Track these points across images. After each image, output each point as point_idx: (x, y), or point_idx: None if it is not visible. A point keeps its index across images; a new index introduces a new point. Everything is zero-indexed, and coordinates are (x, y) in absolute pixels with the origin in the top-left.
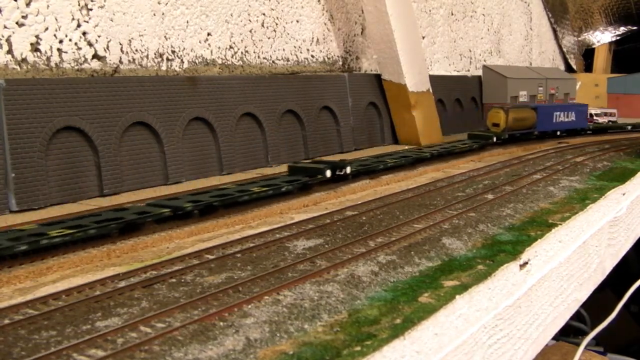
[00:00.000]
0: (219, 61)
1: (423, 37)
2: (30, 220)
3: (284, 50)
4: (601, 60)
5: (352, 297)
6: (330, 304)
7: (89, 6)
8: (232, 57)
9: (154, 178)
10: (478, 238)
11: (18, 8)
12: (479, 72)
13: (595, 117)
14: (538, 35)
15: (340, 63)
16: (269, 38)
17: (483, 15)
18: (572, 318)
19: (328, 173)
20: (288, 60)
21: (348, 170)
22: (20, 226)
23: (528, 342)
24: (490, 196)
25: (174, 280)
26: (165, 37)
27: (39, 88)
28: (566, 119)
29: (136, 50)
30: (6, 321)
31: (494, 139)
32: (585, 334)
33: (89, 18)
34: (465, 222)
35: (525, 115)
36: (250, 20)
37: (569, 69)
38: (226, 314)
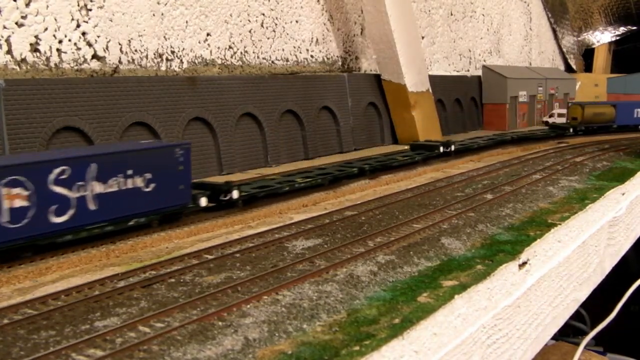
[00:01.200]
0: (219, 61)
1: (422, 37)
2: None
3: (283, 50)
4: (601, 60)
5: (351, 297)
6: (329, 304)
7: (89, 6)
8: (231, 57)
9: None
10: (477, 238)
11: (17, 8)
12: (479, 72)
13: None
14: (538, 36)
15: (340, 63)
16: (268, 38)
17: (482, 15)
18: (571, 318)
19: (441, 149)
20: (287, 60)
21: (453, 147)
22: (269, 177)
23: (527, 341)
24: (489, 196)
25: (173, 280)
26: (164, 37)
27: (39, 88)
28: None
29: (135, 51)
30: (5, 321)
31: (571, 130)
32: (584, 333)
33: (89, 18)
34: (465, 222)
35: (602, 110)
36: (249, 21)
37: (568, 69)
38: (225, 313)
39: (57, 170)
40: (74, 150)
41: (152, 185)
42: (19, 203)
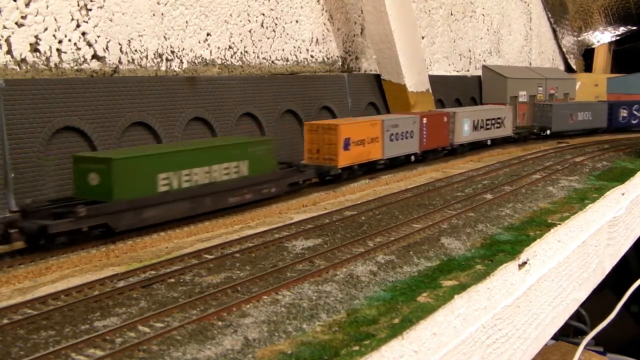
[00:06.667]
0: (219, 61)
1: (422, 37)
2: None
3: (283, 50)
4: (601, 60)
5: (350, 297)
6: (328, 304)
7: (89, 6)
8: (231, 57)
9: None
10: (477, 238)
11: (17, 8)
12: (479, 72)
13: None
14: (538, 36)
15: (340, 63)
16: (268, 38)
17: (482, 15)
18: (571, 318)
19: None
20: (287, 60)
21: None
22: None
23: (527, 341)
24: (489, 196)
25: (172, 280)
26: (164, 37)
27: (39, 88)
28: None
29: (135, 51)
30: (5, 321)
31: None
32: (584, 333)
33: (89, 18)
34: (464, 222)
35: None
36: (249, 21)
37: (568, 69)
38: (225, 313)
39: (636, 105)
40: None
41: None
42: (624, 114)
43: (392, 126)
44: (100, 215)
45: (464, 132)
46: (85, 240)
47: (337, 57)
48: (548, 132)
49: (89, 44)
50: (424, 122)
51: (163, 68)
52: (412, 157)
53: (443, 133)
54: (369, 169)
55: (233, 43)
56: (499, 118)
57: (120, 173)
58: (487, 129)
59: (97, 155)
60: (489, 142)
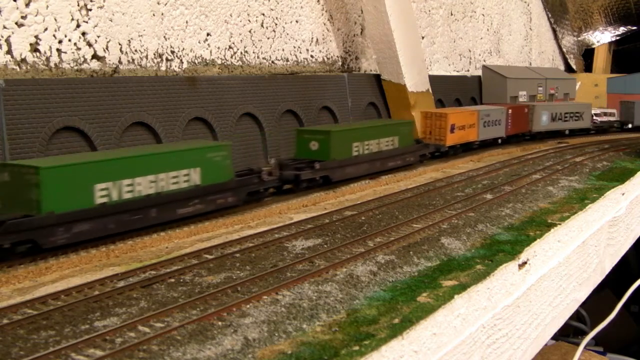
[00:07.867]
0: (219, 61)
1: (422, 37)
2: None
3: (283, 50)
4: (601, 60)
5: (350, 297)
6: (328, 304)
7: (88, 6)
8: (231, 57)
9: None
10: (477, 238)
11: (17, 8)
12: (479, 72)
13: (595, 117)
14: (538, 36)
15: (340, 63)
16: (268, 38)
17: (482, 15)
18: (571, 318)
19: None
20: (287, 60)
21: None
22: None
23: (527, 341)
24: (489, 196)
25: (172, 280)
26: (164, 37)
27: (39, 88)
28: None
29: (135, 51)
30: (5, 321)
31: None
32: (584, 333)
33: (89, 18)
34: (464, 222)
35: None
36: (249, 21)
37: (568, 69)
38: (225, 313)
39: None
40: None
41: None
42: None
43: (485, 115)
44: (325, 169)
45: (542, 122)
46: (315, 187)
47: (337, 57)
48: (630, 125)
49: (89, 44)
50: (509, 112)
51: (163, 68)
52: (499, 140)
53: (523, 122)
54: (467, 148)
55: (233, 43)
56: (577, 112)
57: (334, 141)
58: (565, 120)
59: (317, 128)
60: (566, 132)
